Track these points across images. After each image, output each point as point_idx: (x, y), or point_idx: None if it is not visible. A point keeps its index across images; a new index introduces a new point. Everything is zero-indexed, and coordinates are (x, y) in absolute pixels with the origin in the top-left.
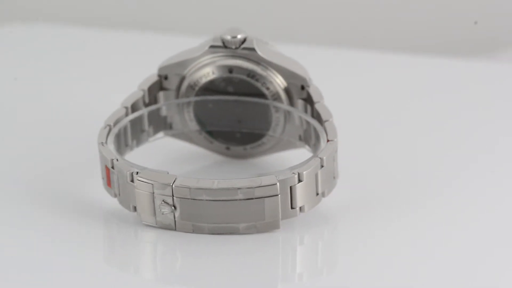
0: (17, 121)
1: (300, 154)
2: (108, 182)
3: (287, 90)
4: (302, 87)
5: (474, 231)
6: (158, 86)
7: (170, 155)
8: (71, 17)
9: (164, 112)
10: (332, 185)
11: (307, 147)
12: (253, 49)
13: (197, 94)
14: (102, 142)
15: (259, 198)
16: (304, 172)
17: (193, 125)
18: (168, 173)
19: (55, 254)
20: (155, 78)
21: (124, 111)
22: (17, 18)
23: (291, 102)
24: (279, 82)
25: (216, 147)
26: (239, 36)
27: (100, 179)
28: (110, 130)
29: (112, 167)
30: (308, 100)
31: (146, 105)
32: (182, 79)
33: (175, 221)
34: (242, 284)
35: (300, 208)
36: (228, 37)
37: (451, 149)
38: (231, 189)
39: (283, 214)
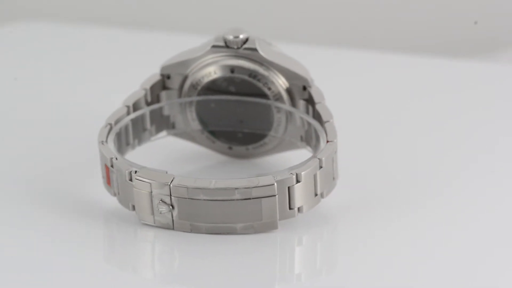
0: (17, 121)
1: (302, 155)
2: (108, 181)
3: (289, 91)
4: (304, 88)
5: (474, 231)
6: (160, 85)
7: (173, 154)
8: (71, 17)
9: (166, 111)
10: (332, 186)
11: (308, 147)
12: (255, 49)
13: (199, 94)
14: (102, 141)
15: (256, 198)
16: (302, 173)
17: (195, 125)
18: (166, 172)
19: (55, 254)
20: (157, 77)
21: (125, 110)
22: (17, 18)
23: (293, 103)
24: (281, 82)
25: (219, 146)
26: (241, 36)
27: (100, 179)
28: (111, 128)
29: (112, 166)
30: (310, 101)
31: (148, 104)
32: (185, 78)
33: (173, 220)
34: (239, 284)
35: (299, 208)
36: (230, 37)
37: (451, 149)
38: (228, 189)
39: (281, 215)
